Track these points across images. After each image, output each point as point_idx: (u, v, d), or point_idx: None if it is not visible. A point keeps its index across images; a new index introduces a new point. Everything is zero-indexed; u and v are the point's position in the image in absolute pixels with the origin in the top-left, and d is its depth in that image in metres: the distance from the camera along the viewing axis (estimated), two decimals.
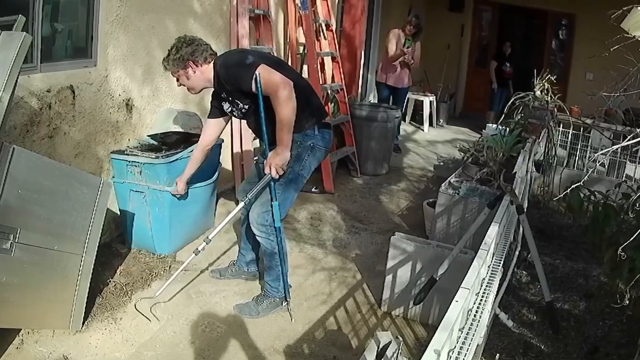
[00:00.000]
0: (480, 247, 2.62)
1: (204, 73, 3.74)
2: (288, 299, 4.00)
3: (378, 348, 2.47)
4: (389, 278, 4.02)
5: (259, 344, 3.65)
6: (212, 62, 3.73)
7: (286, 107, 3.43)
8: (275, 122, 3.49)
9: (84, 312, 3.60)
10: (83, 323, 3.63)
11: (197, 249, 3.93)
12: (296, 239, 5.22)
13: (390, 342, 2.48)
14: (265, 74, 3.44)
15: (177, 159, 4.48)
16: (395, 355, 2.48)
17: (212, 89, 3.91)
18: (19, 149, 2.91)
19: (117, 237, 4.84)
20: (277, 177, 3.64)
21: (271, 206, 3.72)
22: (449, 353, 1.84)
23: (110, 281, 4.19)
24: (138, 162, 4.41)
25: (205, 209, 5.14)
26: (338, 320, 3.98)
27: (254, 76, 3.43)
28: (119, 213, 4.74)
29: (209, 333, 3.74)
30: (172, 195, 4.39)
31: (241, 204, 3.92)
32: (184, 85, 3.84)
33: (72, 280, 3.46)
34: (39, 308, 3.36)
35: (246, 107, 3.71)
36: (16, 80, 2.78)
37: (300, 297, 4.20)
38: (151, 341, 3.61)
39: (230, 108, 3.82)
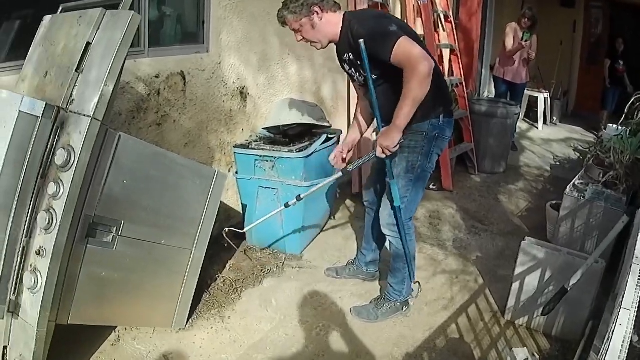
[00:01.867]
0: (633, 262, 2.28)
1: (331, 22, 3.19)
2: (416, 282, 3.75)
3: None
4: (515, 285, 3.61)
5: (376, 351, 3.30)
6: (342, 15, 3.19)
7: (420, 85, 2.87)
8: (397, 99, 2.98)
9: (189, 309, 3.33)
10: (187, 321, 3.37)
11: (287, 203, 3.60)
12: (415, 238, 4.75)
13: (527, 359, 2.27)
14: (407, 46, 2.89)
15: (313, 152, 4.13)
16: None
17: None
18: (126, 136, 2.61)
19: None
20: (383, 157, 3.16)
21: (389, 185, 3.31)
22: None
23: (219, 276, 3.95)
24: (271, 157, 4.06)
25: (330, 203, 4.81)
26: (460, 328, 3.58)
27: (393, 47, 2.89)
28: (240, 209, 4.49)
29: (324, 337, 3.41)
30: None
31: (338, 174, 3.50)
32: (306, 39, 3.28)
33: (179, 277, 3.19)
34: (141, 305, 3.09)
35: (374, 77, 3.14)
36: (123, 63, 2.44)
37: (421, 301, 3.82)
38: (261, 343, 3.32)
39: (352, 72, 3.29)
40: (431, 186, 6.14)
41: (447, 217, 5.46)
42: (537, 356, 2.27)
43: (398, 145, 3.11)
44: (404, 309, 3.65)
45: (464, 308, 3.81)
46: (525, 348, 2.28)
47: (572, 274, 3.14)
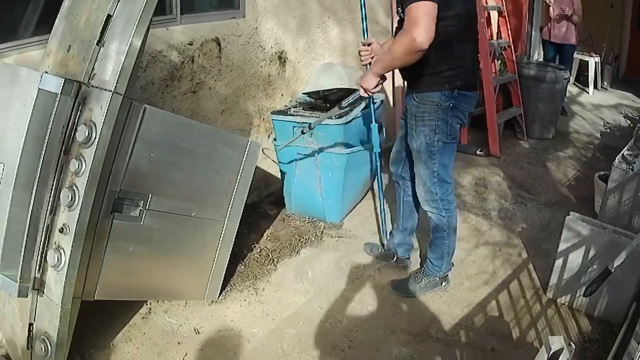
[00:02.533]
0: None
1: None
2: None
3: (548, 355, 2.14)
4: (558, 262, 3.42)
5: (412, 328, 3.16)
6: None
7: (402, 52, 2.72)
8: (422, 61, 2.78)
9: (222, 281, 3.23)
10: (220, 293, 3.27)
11: (302, 130, 3.60)
12: (460, 206, 4.57)
13: (562, 349, 2.10)
14: (421, 11, 2.62)
15: (353, 119, 3.95)
16: None
17: None
18: (152, 108, 2.46)
19: (266, 197, 4.47)
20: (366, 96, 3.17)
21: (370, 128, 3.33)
22: None
23: (255, 246, 3.83)
24: (310, 124, 3.87)
25: (371, 171, 4.61)
26: (500, 305, 3.41)
27: (412, 2, 2.64)
28: (279, 176, 4.35)
29: (359, 311, 3.29)
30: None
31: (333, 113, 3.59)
32: None
33: (211, 249, 3.07)
34: (171, 279, 2.99)
35: (404, 17, 2.90)
36: (145, 35, 2.30)
37: (462, 275, 3.66)
38: (294, 317, 3.21)
39: (398, 3, 2.99)
40: (478, 151, 5.95)
41: (493, 185, 5.24)
42: (574, 345, 2.11)
43: (378, 87, 3.08)
44: (443, 284, 3.49)
45: (506, 284, 3.63)
46: (562, 337, 2.12)
47: (617, 253, 2.90)
